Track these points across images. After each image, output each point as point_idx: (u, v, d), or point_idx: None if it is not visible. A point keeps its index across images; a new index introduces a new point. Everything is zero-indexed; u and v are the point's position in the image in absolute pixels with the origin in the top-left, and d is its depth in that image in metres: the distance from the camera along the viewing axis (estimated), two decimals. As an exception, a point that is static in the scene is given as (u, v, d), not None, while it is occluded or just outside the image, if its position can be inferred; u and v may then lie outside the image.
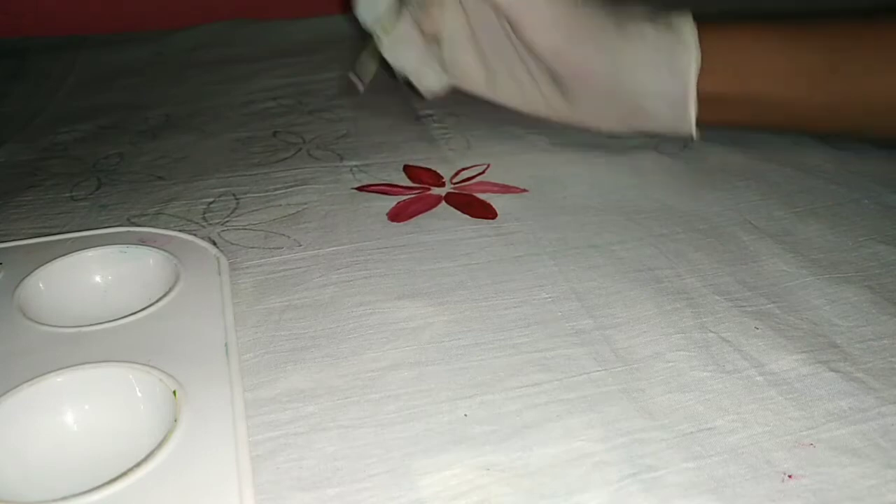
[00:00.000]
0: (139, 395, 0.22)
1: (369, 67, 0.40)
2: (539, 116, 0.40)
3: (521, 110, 0.40)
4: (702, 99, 0.35)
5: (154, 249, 0.29)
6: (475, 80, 0.40)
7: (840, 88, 0.34)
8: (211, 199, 0.34)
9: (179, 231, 0.31)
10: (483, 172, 0.37)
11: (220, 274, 0.28)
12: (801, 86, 0.35)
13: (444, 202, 0.34)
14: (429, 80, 0.40)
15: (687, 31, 0.34)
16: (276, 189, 0.35)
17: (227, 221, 0.33)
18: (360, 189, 0.36)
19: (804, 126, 0.37)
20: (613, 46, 0.35)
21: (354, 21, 0.59)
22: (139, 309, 0.25)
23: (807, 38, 0.35)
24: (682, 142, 0.40)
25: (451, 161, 0.38)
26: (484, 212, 0.33)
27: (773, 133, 0.40)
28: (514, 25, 0.35)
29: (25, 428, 0.21)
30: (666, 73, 0.34)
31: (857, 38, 0.34)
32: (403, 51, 0.39)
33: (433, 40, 0.38)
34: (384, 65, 0.40)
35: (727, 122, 0.37)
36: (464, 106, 0.43)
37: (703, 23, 0.34)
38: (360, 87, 0.40)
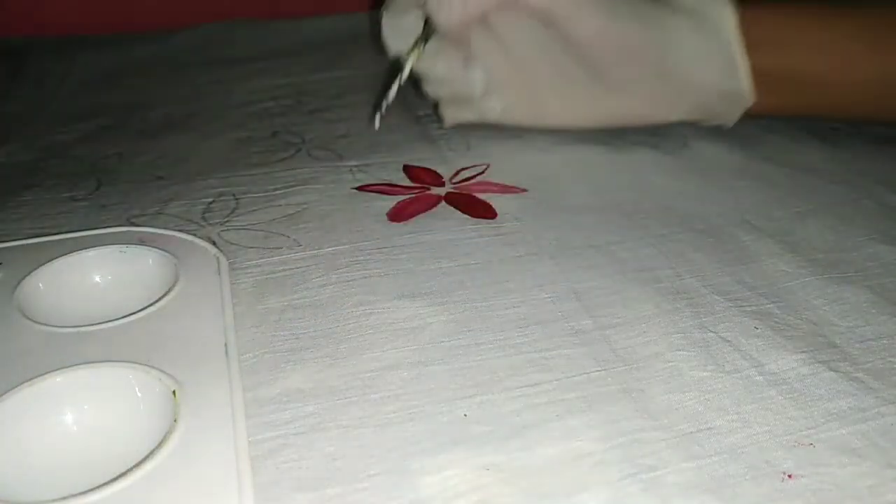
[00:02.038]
0: (139, 394, 0.22)
1: (391, 101, 0.37)
2: (589, 127, 0.39)
3: (572, 126, 0.39)
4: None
5: (154, 249, 0.29)
6: (520, 111, 0.39)
7: (877, 66, 0.36)
8: (210, 199, 0.34)
9: (179, 231, 0.31)
10: (483, 172, 0.37)
11: (219, 274, 0.28)
12: (838, 63, 0.36)
13: (443, 202, 0.34)
14: (462, 115, 0.40)
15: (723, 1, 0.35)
16: (275, 189, 0.35)
17: (227, 221, 0.33)
18: (359, 189, 0.36)
19: (843, 108, 0.38)
20: (655, 19, 0.35)
21: (357, 24, 0.59)
22: (139, 309, 0.25)
23: (843, 17, 0.36)
24: (682, 139, 0.40)
25: (450, 161, 0.38)
26: (483, 212, 0.33)
27: (808, 120, 0.41)
28: (553, 19, 0.34)
29: (25, 428, 0.21)
30: (712, 38, 0.35)
31: (892, 17, 0.36)
32: (435, 83, 0.39)
33: (465, 71, 0.37)
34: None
35: (769, 106, 0.37)
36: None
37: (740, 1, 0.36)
38: (377, 125, 0.38)
